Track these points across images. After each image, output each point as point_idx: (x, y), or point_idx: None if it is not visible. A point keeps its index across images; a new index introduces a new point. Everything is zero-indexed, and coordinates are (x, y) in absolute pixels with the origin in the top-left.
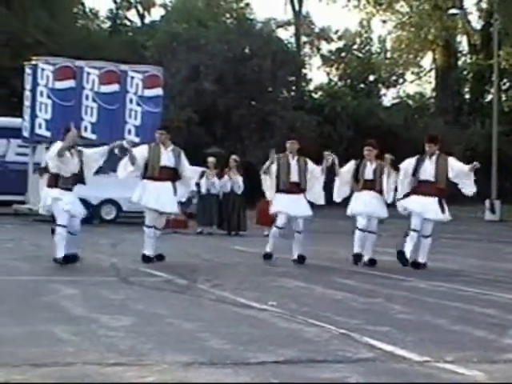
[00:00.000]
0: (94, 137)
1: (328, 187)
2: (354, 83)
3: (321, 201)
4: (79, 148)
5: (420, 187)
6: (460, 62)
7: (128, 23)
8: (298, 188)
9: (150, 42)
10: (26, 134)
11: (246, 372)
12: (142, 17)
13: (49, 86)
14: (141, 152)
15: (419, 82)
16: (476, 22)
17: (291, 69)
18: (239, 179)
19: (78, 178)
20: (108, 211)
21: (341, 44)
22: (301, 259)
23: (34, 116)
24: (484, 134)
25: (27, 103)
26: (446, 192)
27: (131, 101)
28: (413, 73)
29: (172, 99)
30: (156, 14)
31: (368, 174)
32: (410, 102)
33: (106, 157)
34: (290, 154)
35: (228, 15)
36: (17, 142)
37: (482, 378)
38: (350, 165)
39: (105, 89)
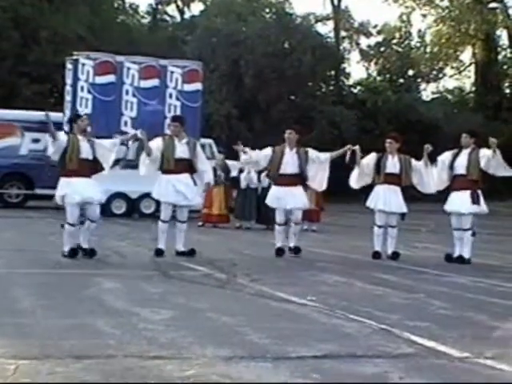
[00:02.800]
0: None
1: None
2: (393, 78)
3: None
4: (91, 138)
5: (454, 182)
6: (500, 57)
7: (168, 18)
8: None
9: (189, 37)
10: (66, 128)
11: (286, 366)
12: (181, 12)
13: (89, 81)
14: (156, 143)
15: (459, 77)
16: None
17: (330, 63)
18: None
19: (95, 166)
20: (147, 205)
21: (380, 38)
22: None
23: (74, 111)
24: None
25: (68, 98)
26: (480, 184)
27: (171, 95)
28: (452, 67)
29: (211, 94)
30: (196, 8)
31: (390, 167)
32: (450, 96)
33: (117, 148)
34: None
35: (267, 10)
36: None
37: None
38: (371, 157)
39: (145, 84)
